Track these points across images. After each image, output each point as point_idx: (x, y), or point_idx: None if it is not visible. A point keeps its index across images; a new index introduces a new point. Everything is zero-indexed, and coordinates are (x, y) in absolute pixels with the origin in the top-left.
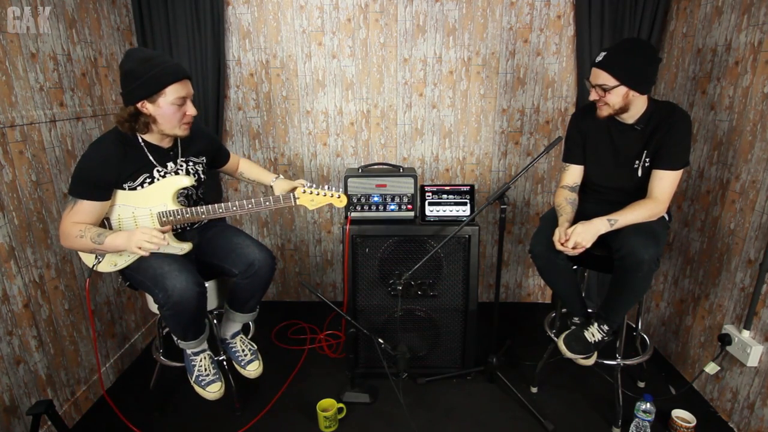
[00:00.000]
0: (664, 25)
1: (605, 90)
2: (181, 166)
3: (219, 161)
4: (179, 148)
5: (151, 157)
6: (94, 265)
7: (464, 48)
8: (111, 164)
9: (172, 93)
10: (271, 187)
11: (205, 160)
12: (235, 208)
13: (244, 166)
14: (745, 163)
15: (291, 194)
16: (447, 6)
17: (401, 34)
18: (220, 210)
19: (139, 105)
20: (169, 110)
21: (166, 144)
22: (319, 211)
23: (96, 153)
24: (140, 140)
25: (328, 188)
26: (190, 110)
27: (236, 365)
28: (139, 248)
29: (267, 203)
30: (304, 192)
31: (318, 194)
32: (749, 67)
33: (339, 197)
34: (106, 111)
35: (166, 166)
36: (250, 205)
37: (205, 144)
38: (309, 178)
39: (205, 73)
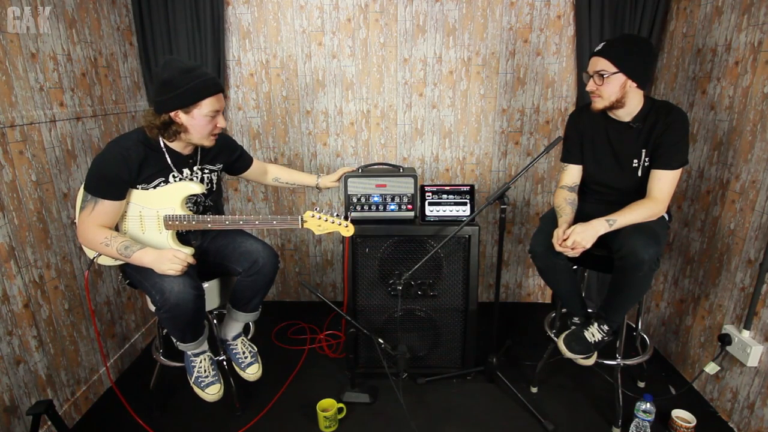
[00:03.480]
0: (664, 25)
1: (603, 77)
2: (197, 174)
3: (239, 168)
4: (198, 156)
5: (170, 162)
6: (94, 257)
7: (464, 48)
8: (130, 165)
9: (208, 106)
10: (317, 186)
11: (221, 167)
12: (242, 222)
13: (279, 172)
14: (745, 163)
15: (299, 217)
16: (447, 6)
17: (401, 34)
18: (227, 222)
19: (172, 114)
20: (202, 122)
21: (187, 151)
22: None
23: (117, 152)
24: (162, 145)
25: (336, 215)
26: (221, 123)
27: (236, 367)
28: (169, 270)
29: (275, 222)
30: (313, 216)
31: (326, 220)
32: (749, 67)
33: (347, 227)
34: (106, 111)
35: (182, 172)
36: (257, 222)
37: (225, 152)
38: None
39: None
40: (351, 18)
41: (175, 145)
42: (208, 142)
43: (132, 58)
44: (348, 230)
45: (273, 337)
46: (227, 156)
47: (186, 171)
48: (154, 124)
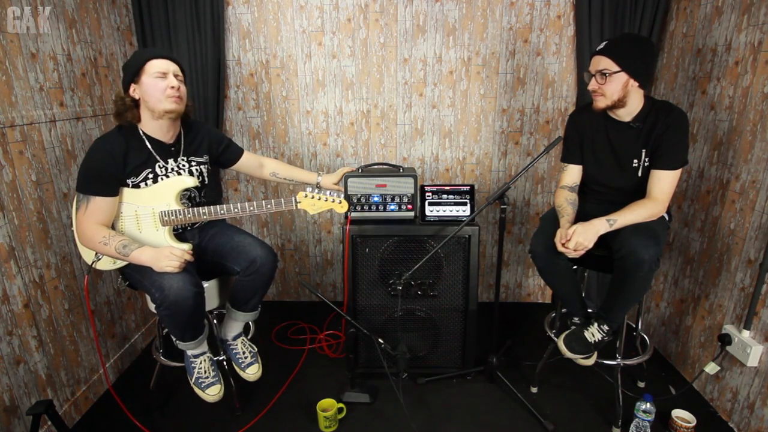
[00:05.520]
0: (664, 25)
1: (605, 75)
2: (183, 166)
3: (228, 160)
4: (182, 145)
5: (153, 151)
6: (93, 262)
7: (464, 48)
8: (115, 158)
9: (152, 68)
10: (318, 185)
11: (208, 159)
12: (236, 210)
13: (276, 167)
14: (745, 163)
15: (293, 198)
16: (447, 6)
17: (401, 34)
18: (222, 212)
19: (130, 91)
20: (152, 84)
21: (168, 139)
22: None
23: (100, 147)
24: (141, 133)
25: (330, 193)
26: (171, 81)
27: (236, 367)
28: (167, 267)
29: (269, 206)
30: (306, 196)
31: (320, 199)
32: (749, 67)
33: (340, 203)
34: (106, 111)
35: (167, 162)
36: (251, 208)
37: (210, 142)
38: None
39: (205, 73)
40: (351, 18)
41: (153, 132)
42: (168, 105)
43: None
44: (342, 207)
45: (273, 337)
46: (213, 147)
47: (171, 161)
48: (115, 108)
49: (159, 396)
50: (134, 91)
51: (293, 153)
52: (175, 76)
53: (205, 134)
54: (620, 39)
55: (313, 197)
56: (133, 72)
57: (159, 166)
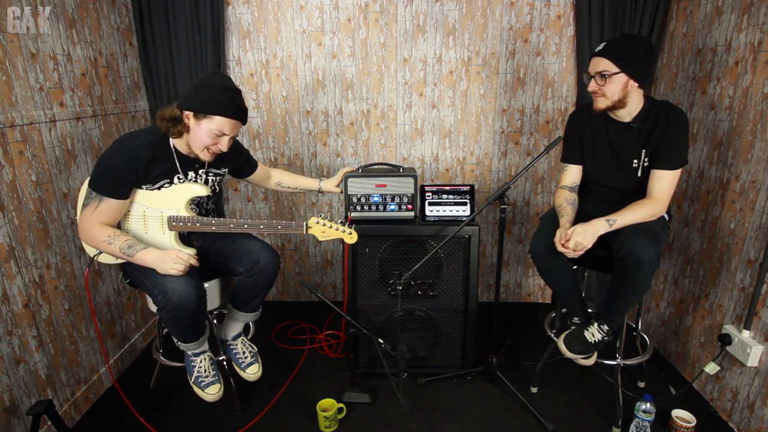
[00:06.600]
0: (664, 25)
1: (605, 77)
2: (201, 176)
3: (244, 172)
4: (206, 162)
5: (177, 164)
6: (95, 255)
7: (464, 48)
8: (137, 165)
9: (217, 124)
10: (320, 189)
11: (226, 172)
12: (246, 226)
13: (282, 177)
14: (745, 163)
15: (304, 223)
16: (447, 6)
17: (401, 34)
18: (231, 225)
19: (185, 113)
20: (204, 134)
21: (194, 155)
22: (319, 212)
23: (125, 151)
24: (171, 146)
25: (341, 223)
26: (222, 145)
27: (236, 367)
28: (171, 270)
29: (279, 227)
30: (317, 222)
31: (330, 227)
32: (749, 67)
33: (350, 234)
34: (106, 111)
35: (187, 175)
36: (261, 226)
37: (232, 157)
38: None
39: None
40: (351, 18)
41: (183, 148)
42: (202, 156)
43: (132, 58)
44: (351, 238)
45: (273, 337)
46: (234, 161)
47: (191, 174)
48: (164, 116)
49: (159, 396)
50: (187, 117)
51: (293, 153)
52: (231, 138)
53: (231, 149)
54: (619, 40)
55: (324, 224)
56: (198, 107)
57: (177, 177)
